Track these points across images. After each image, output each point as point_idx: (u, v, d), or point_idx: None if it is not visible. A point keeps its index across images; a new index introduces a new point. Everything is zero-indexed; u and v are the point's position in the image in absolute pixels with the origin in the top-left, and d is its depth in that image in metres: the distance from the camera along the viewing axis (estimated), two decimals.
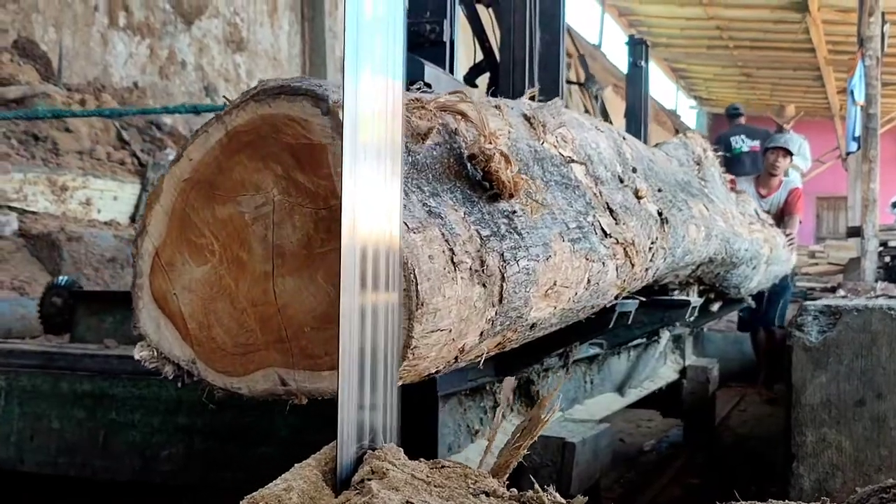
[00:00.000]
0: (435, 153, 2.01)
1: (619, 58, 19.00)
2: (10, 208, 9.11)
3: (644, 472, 6.39)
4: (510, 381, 3.63)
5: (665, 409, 6.30)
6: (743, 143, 11.80)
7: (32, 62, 11.44)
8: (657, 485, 6.01)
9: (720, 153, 11.09)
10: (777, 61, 19.47)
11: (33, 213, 9.30)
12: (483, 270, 1.93)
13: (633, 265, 2.71)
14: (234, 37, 14.91)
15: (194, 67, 14.09)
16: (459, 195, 2.01)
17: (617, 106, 19.26)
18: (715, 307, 6.05)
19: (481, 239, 1.97)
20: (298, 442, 3.10)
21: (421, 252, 1.78)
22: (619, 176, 2.99)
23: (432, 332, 1.79)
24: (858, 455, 3.22)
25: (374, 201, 1.67)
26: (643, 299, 4.24)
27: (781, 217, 7.87)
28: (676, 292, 5.22)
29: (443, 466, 1.64)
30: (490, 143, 2.02)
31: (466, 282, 1.87)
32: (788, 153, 8.23)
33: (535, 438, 1.90)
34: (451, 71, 4.17)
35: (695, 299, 4.58)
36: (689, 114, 23.04)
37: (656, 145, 4.73)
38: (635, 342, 5.22)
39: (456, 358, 1.94)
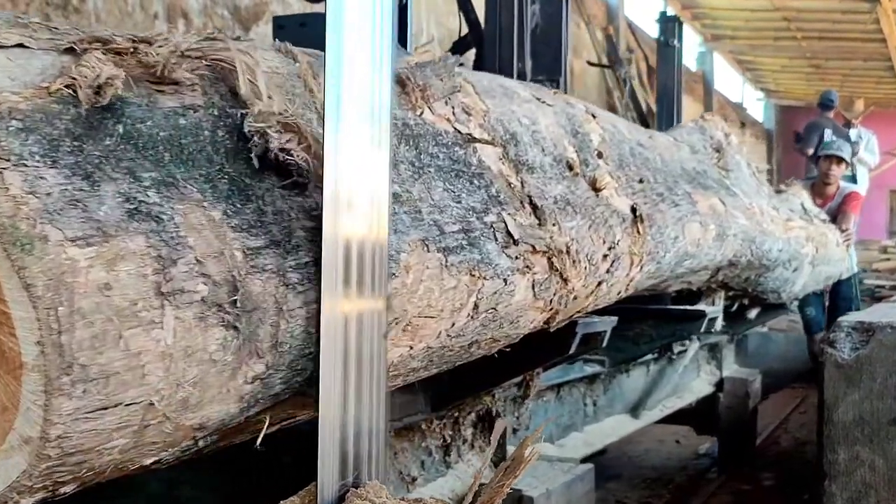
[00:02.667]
0: (185, 121, 1.26)
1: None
2: None
3: (695, 476, 5.65)
4: (501, 423, 2.98)
5: (699, 426, 5.42)
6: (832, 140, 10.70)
7: None
8: (705, 491, 5.25)
9: (801, 143, 9.87)
10: (847, 52, 18.08)
11: None
12: (235, 304, 1.17)
13: (566, 280, 1.91)
14: None
15: None
16: (226, 185, 1.26)
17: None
18: (752, 314, 5.16)
19: (244, 253, 1.21)
20: (171, 498, 2.40)
21: (85, 279, 1.02)
22: (567, 162, 2.20)
23: (104, 409, 1.04)
24: (892, 474, 2.94)
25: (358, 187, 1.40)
26: (622, 311, 3.48)
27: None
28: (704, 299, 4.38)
29: None
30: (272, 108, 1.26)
31: (192, 322, 1.12)
32: (842, 161, 7.28)
33: (519, 477, 1.74)
34: (403, 42, 3.41)
35: (710, 309, 3.74)
36: (757, 106, 21.69)
37: (668, 130, 3.89)
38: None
39: (194, 441, 1.18)
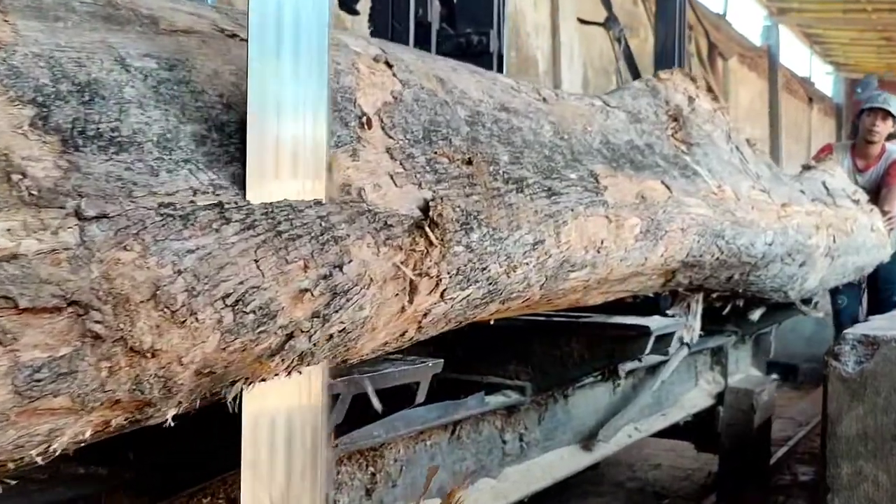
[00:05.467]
0: None
1: (745, 28, 16.46)
2: None
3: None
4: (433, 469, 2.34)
5: (700, 442, 4.33)
6: None
7: None
8: None
9: None
10: None
11: None
12: None
13: (139, 351, 0.96)
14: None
15: None
16: None
17: (743, 76, 16.71)
18: (755, 315, 4.05)
19: None
20: None
21: None
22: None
23: None
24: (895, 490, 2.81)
25: None
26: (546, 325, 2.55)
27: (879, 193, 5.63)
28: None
29: None
30: None
31: None
32: (889, 115, 5.89)
33: None
34: None
35: (659, 324, 2.69)
36: (825, 80, 19.80)
37: (610, 92, 2.84)
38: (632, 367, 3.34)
39: None
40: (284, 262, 1.16)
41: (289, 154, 1.22)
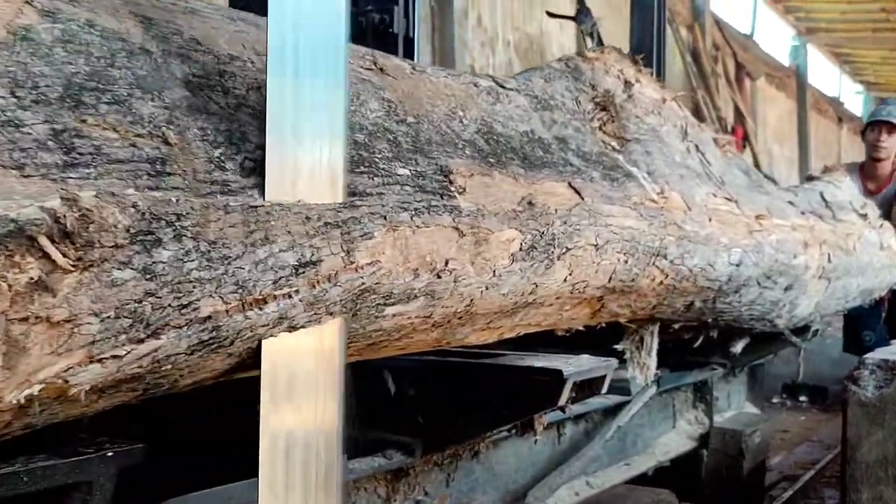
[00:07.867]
0: None
1: (773, 47, 15.67)
2: None
3: None
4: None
5: (682, 490, 3.64)
6: None
7: None
8: None
9: None
10: None
11: None
12: None
13: None
14: None
15: None
16: None
17: (771, 96, 15.86)
18: (737, 347, 3.35)
19: None
20: None
21: None
22: None
23: None
24: None
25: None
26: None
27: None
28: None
29: None
30: None
31: None
32: (895, 128, 5.14)
33: None
34: None
35: (576, 367, 2.02)
36: (855, 100, 18.73)
37: (522, 73, 2.20)
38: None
39: None
40: None
41: (306, 177, 1.19)
